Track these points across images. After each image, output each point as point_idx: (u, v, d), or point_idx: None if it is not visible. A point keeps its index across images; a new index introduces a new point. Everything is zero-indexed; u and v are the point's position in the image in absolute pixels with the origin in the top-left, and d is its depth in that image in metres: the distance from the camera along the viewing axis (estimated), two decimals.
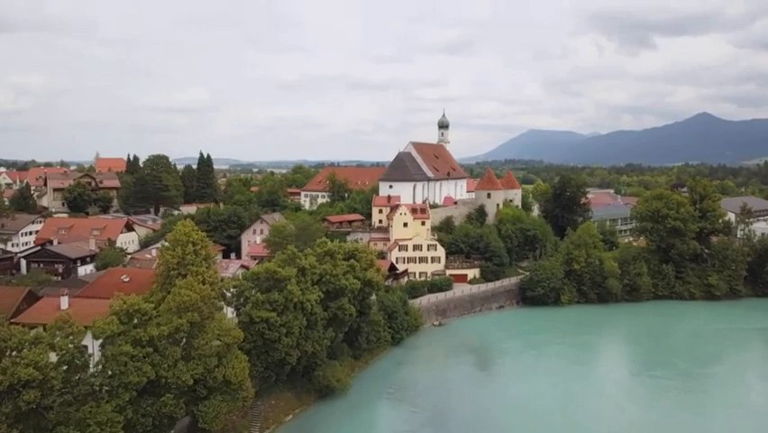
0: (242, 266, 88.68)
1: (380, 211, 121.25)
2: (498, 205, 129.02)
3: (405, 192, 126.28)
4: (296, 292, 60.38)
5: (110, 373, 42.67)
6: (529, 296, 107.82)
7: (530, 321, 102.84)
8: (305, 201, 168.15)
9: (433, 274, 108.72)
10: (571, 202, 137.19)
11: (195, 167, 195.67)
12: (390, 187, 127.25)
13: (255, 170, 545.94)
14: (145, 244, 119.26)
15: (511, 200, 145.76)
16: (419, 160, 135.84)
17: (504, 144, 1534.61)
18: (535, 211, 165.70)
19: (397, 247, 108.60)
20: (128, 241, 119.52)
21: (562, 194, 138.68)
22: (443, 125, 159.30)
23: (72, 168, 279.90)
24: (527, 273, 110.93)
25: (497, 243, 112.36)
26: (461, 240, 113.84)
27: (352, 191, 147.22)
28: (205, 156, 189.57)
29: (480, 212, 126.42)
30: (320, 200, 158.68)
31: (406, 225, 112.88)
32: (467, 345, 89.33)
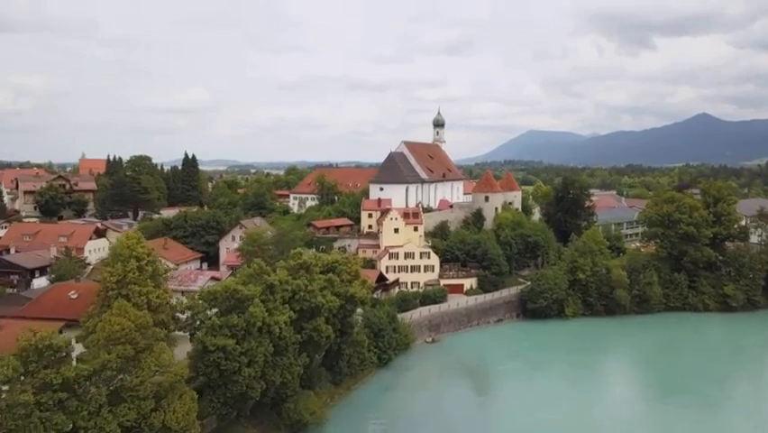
0: (213, 278, 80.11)
1: (370, 216, 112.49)
2: (496, 208, 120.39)
3: (396, 195, 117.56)
4: (258, 315, 51.70)
5: (7, 428, 33.92)
6: (530, 308, 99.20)
7: (531, 336, 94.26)
8: (293, 204, 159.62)
9: (426, 284, 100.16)
10: (574, 205, 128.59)
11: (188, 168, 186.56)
12: (381, 189, 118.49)
13: (253, 170, 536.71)
14: None
15: (510, 203, 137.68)
16: (412, 160, 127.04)
17: (503, 145, 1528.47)
18: (536, 215, 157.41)
19: (387, 255, 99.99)
20: (98, 248, 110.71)
21: (564, 197, 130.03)
22: (439, 124, 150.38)
23: (68, 169, 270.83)
24: (528, 283, 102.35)
25: (495, 250, 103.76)
26: (457, 247, 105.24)
27: (341, 194, 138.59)
28: (191, 156, 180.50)
29: (478, 216, 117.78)
30: (309, 203, 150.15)
31: (396, 230, 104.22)
32: (463, 366, 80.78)
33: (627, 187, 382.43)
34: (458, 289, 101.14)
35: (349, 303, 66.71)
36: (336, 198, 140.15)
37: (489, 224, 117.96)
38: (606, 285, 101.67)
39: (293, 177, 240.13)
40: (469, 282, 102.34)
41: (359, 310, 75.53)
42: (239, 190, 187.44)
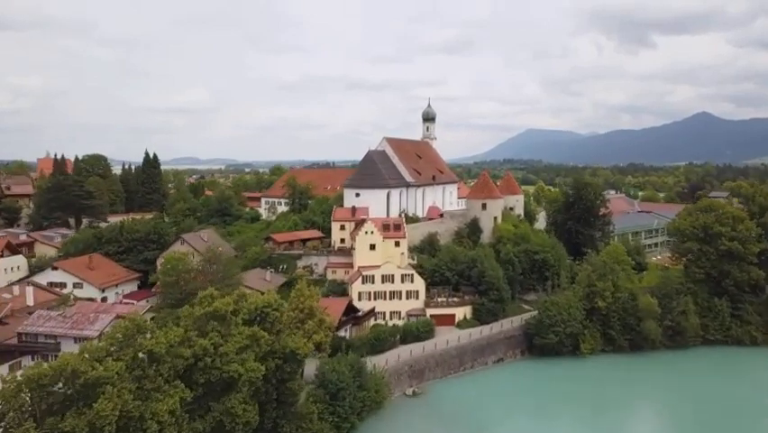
0: (119, 317, 60.25)
1: (342, 227, 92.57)
2: (495, 218, 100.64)
3: (376, 202, 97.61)
4: (108, 410, 31.90)
5: None
6: (538, 344, 79.72)
7: (540, 382, 74.90)
8: (264, 210, 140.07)
9: (408, 315, 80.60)
10: (587, 213, 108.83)
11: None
12: (357, 195, 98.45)
13: (247, 169, 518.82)
14: (35, 270, 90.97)
15: (511, 208, 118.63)
16: (395, 160, 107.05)
17: (502, 144, 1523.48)
18: (541, 221, 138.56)
19: (360, 278, 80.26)
20: (11, 267, 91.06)
21: (575, 203, 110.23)
22: (429, 117, 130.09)
23: None
24: (535, 311, 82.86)
25: (494, 271, 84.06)
26: (448, 266, 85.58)
27: (314, 198, 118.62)
28: (152, 156, 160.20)
29: (473, 227, 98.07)
30: (281, 209, 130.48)
31: (373, 247, 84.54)
32: (451, 428, 61.13)
33: (632, 187, 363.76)
34: (448, 320, 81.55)
35: (289, 362, 47.21)
36: (310, 202, 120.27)
37: (486, 236, 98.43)
38: (631, 315, 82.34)
39: (276, 177, 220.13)
40: (462, 311, 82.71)
41: (307, 365, 56.58)
42: (207, 193, 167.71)
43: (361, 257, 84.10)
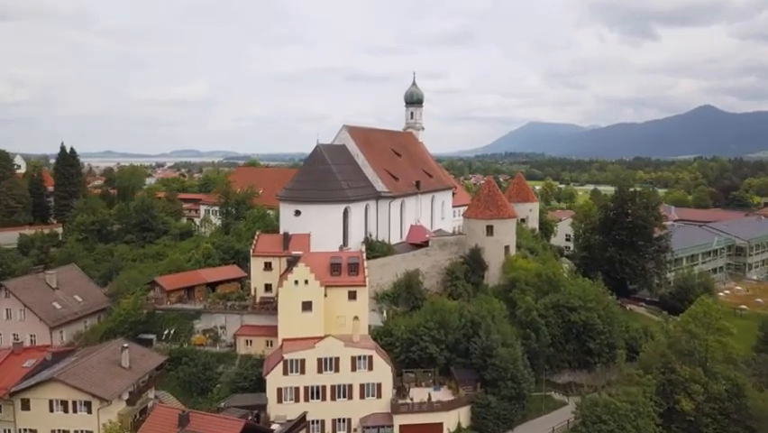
0: None
1: (268, 266, 58.84)
2: (507, 248, 67.31)
3: (326, 225, 63.72)
4: None
5: None
6: None
7: None
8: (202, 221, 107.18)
9: (363, 426, 47.60)
10: (637, 236, 75.49)
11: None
12: (297, 214, 64.85)
13: (241, 162, 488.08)
14: None
15: (523, 220, 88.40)
16: (361, 159, 73.15)
17: (504, 137, 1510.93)
18: (560, 235, 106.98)
19: (281, 365, 47.16)
20: None
21: (618, 220, 76.94)
22: (414, 100, 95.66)
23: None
24: (573, 410, 50.08)
25: (509, 345, 50.89)
26: (432, 335, 52.62)
27: (252, 209, 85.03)
28: (68, 150, 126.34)
29: (474, 262, 64.81)
30: (216, 222, 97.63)
31: (308, 306, 51.23)
32: None
33: (647, 184, 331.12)
34: (432, 431, 48.59)
35: None
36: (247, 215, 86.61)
37: (493, 275, 65.42)
38: (736, 422, 49.51)
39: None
40: (454, 417, 49.60)
41: None
42: (137, 194, 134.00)
43: (288, 324, 50.79)
